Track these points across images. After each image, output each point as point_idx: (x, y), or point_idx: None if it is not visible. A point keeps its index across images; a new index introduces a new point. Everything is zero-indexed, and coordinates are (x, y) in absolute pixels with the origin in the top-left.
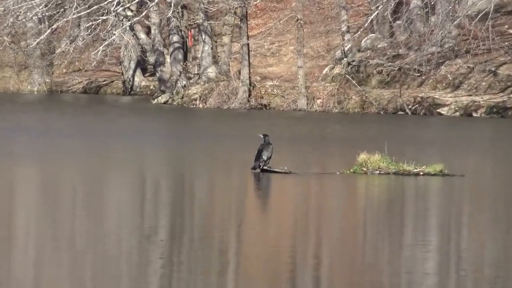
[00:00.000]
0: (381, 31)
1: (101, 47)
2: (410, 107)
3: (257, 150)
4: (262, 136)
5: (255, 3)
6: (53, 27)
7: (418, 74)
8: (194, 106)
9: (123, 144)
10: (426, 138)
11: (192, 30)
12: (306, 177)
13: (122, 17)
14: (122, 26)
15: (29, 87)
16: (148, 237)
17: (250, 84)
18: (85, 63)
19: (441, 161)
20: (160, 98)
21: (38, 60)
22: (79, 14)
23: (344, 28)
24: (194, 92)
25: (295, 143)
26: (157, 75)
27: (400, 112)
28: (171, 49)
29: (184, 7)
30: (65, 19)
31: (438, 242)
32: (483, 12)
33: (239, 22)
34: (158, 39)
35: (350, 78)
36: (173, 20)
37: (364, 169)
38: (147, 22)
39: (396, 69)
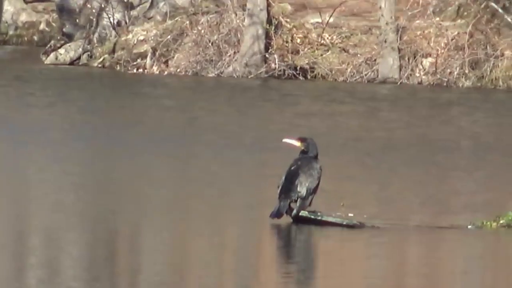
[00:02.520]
0: None
1: None
2: None
3: (285, 173)
4: (296, 143)
5: None
6: None
7: None
8: (140, 71)
9: None
10: None
11: None
12: (399, 236)
13: None
14: None
15: None
16: None
17: (269, 22)
18: None
19: None
20: (61, 52)
21: None
22: None
23: None
24: (141, 38)
25: (372, 161)
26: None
27: None
28: None
29: None
30: None
31: None
32: None
33: None
34: None
35: (500, 10)
36: None
37: None
38: None
39: None
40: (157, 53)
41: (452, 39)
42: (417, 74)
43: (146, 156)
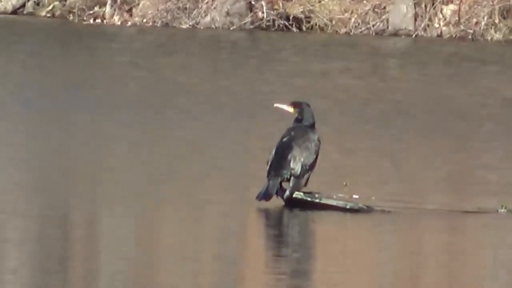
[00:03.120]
0: None
1: None
2: None
3: (275, 145)
4: (288, 109)
5: None
6: None
7: None
8: (97, 22)
9: None
10: None
11: None
12: (414, 222)
13: None
14: None
15: None
16: None
17: None
18: None
19: None
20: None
21: None
22: None
23: None
24: None
25: (380, 130)
26: None
27: None
28: None
29: None
30: None
31: None
32: None
33: None
34: None
35: None
36: None
37: None
38: None
39: None
40: (118, 0)
41: None
42: (436, 25)
43: (106, 125)
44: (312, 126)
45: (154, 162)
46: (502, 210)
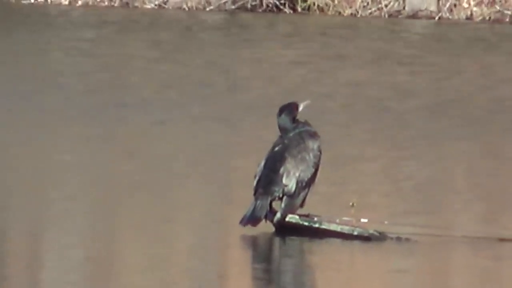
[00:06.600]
0: None
1: None
2: None
3: (265, 156)
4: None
5: None
6: None
7: None
8: (39, 1)
9: None
10: None
11: None
12: (438, 253)
13: None
14: None
15: None
16: None
17: None
18: None
19: None
20: None
21: None
22: None
23: None
24: None
25: (392, 132)
26: None
27: None
28: None
29: None
30: None
31: None
32: None
33: None
34: None
35: None
36: None
37: None
38: None
39: None
40: None
41: None
42: (465, 5)
43: (50, 133)
44: (306, 131)
45: (107, 179)
46: None
